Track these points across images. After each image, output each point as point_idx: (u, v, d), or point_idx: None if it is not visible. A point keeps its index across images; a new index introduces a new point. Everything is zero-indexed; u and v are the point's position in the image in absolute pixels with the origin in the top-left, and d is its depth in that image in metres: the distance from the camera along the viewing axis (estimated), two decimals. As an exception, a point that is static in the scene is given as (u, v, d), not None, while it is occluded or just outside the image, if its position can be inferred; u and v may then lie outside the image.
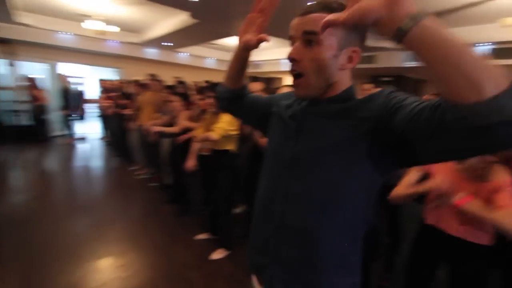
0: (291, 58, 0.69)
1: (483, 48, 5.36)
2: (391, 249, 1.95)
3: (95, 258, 2.26)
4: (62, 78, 6.89)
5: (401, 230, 1.98)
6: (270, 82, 13.58)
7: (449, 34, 0.43)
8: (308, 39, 0.66)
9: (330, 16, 0.51)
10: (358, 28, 0.66)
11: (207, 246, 2.50)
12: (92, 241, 2.50)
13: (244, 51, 0.83)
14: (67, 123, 6.85)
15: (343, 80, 0.71)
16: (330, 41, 0.65)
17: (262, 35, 0.78)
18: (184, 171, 2.67)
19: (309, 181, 0.69)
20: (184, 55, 10.18)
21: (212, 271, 2.19)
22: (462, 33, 5.22)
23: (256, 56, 10.41)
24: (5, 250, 2.29)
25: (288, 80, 12.40)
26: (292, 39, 0.70)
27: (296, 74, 0.70)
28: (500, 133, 0.41)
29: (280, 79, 12.54)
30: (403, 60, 6.87)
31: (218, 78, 5.71)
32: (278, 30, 3.34)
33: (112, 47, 8.45)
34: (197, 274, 2.15)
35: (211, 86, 2.85)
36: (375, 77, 8.55)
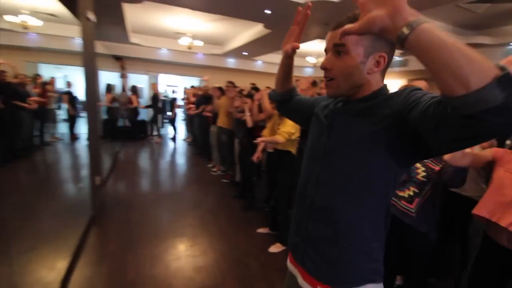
0: (323, 67, 0.80)
1: None
2: (461, 265, 1.75)
3: (173, 237, 2.69)
4: (154, 86, 7.91)
5: (471, 245, 1.77)
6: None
7: (442, 38, 0.49)
8: (337, 50, 0.76)
9: (346, 26, 0.61)
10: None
11: (266, 240, 2.67)
12: (173, 223, 2.97)
13: (286, 58, 0.97)
14: (160, 125, 7.99)
15: (373, 82, 0.77)
16: (357, 51, 0.73)
17: (295, 44, 0.91)
18: (252, 169, 2.89)
19: (335, 169, 0.79)
20: (259, 63, 10.75)
21: (268, 263, 2.34)
22: None
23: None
24: (110, 223, 2.92)
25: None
26: (326, 51, 0.81)
27: (328, 79, 0.80)
28: (487, 120, 0.45)
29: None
30: (505, 55, 5.80)
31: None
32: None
33: (199, 59, 9.56)
34: (256, 263, 2.34)
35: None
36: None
